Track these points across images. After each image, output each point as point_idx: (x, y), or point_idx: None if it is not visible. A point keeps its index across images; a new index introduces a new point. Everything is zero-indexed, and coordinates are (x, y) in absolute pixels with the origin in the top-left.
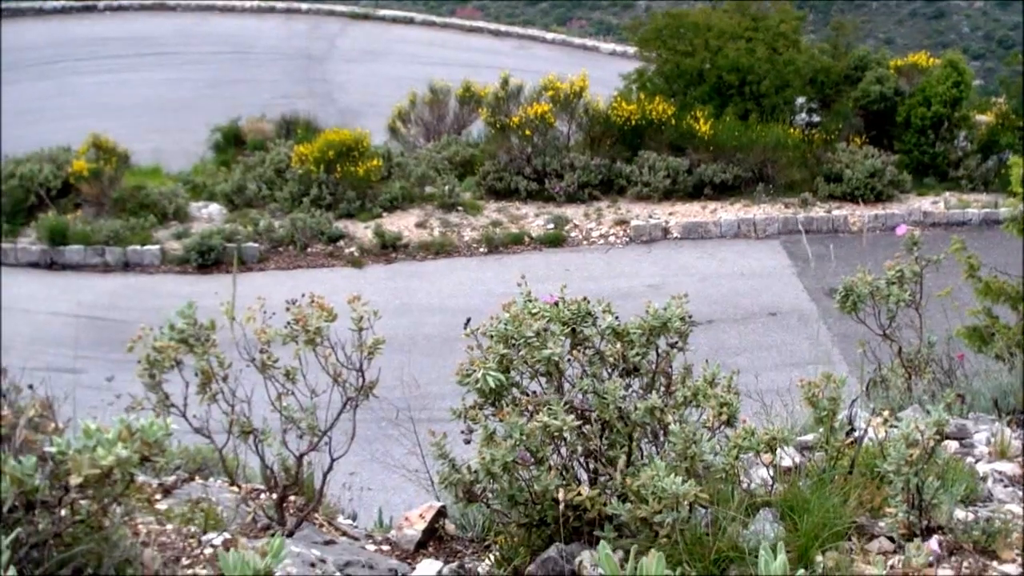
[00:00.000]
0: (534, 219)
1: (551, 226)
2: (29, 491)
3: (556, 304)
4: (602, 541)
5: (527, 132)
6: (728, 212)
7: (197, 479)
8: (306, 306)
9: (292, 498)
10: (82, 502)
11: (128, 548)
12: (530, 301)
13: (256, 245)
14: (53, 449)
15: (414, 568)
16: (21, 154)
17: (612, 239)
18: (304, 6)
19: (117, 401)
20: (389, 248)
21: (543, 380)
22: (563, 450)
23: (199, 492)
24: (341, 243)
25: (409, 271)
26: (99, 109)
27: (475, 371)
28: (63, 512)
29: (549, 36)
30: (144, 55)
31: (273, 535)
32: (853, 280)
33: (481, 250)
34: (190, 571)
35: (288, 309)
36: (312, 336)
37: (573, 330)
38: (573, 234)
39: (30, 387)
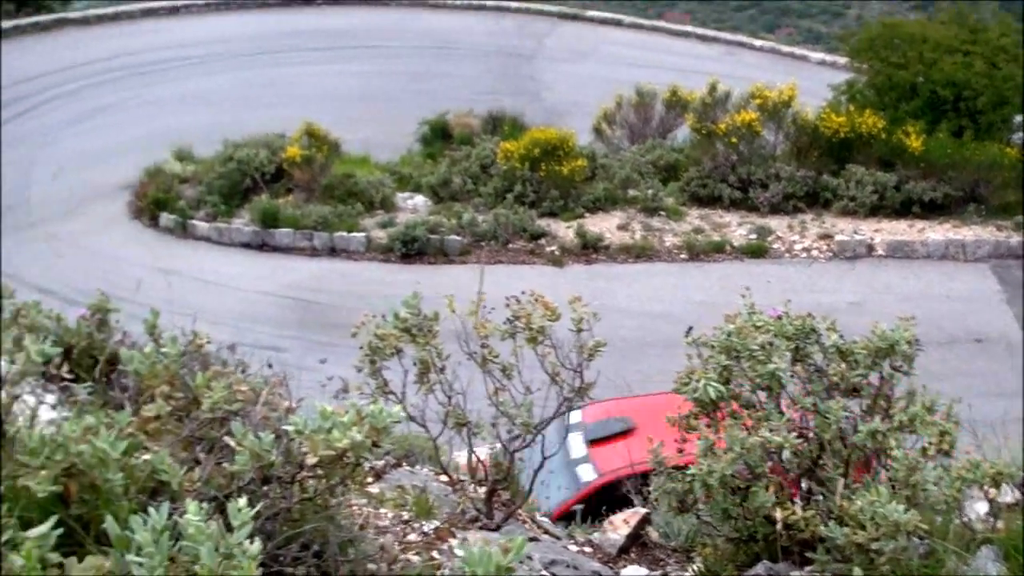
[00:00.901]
0: (736, 228)
1: (753, 236)
2: (266, 466)
3: (780, 318)
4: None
5: (733, 140)
6: (936, 232)
7: (404, 465)
8: (527, 302)
9: (499, 492)
10: (310, 481)
11: (350, 528)
12: (754, 313)
13: (459, 238)
14: (290, 428)
15: (618, 572)
16: (239, 138)
17: (815, 253)
18: (513, 4)
19: (329, 383)
20: (590, 249)
21: (762, 394)
22: (780, 467)
23: (408, 479)
24: (542, 241)
25: (608, 273)
26: (313, 98)
27: (695, 380)
28: (294, 489)
29: (757, 43)
30: (359, 47)
31: (481, 527)
32: None
33: (682, 256)
34: (415, 557)
35: (508, 305)
36: (535, 334)
37: (796, 346)
38: (776, 245)
39: (269, 365)
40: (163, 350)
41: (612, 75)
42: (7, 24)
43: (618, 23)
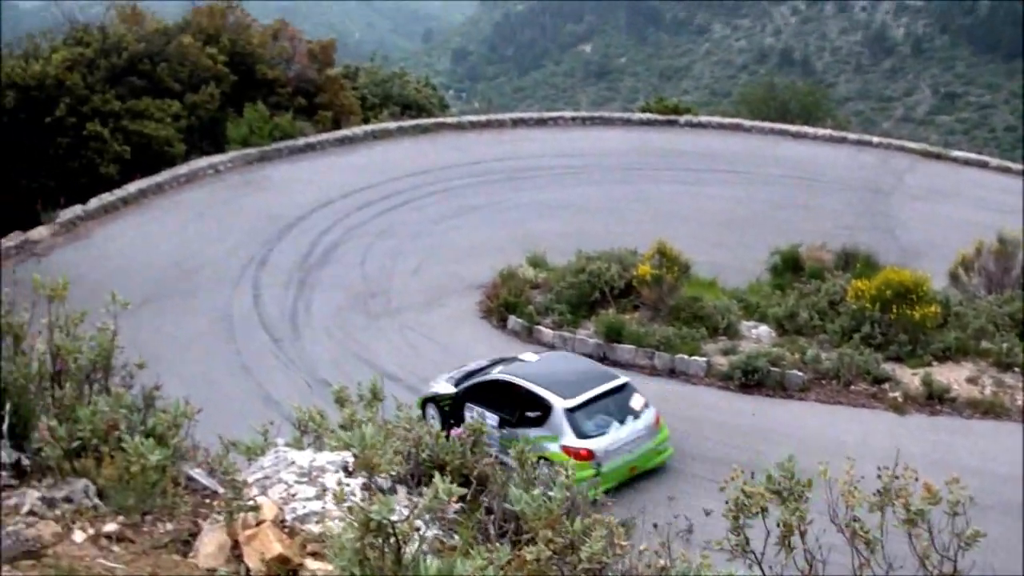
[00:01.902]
0: None
1: None
2: None
3: None
4: None
5: None
6: None
7: None
8: (903, 476)
9: None
10: None
11: None
12: None
13: (800, 374)
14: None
15: None
16: (592, 251)
17: None
18: (875, 139)
19: (675, 521)
20: (935, 399)
21: None
22: None
23: None
24: (885, 385)
25: (952, 426)
26: (667, 217)
27: None
28: None
29: None
30: (716, 171)
31: None
32: None
33: None
34: None
35: (879, 476)
36: (912, 516)
37: None
38: None
39: (654, 525)
40: (550, 494)
41: (973, 218)
42: (392, 126)
43: (983, 164)
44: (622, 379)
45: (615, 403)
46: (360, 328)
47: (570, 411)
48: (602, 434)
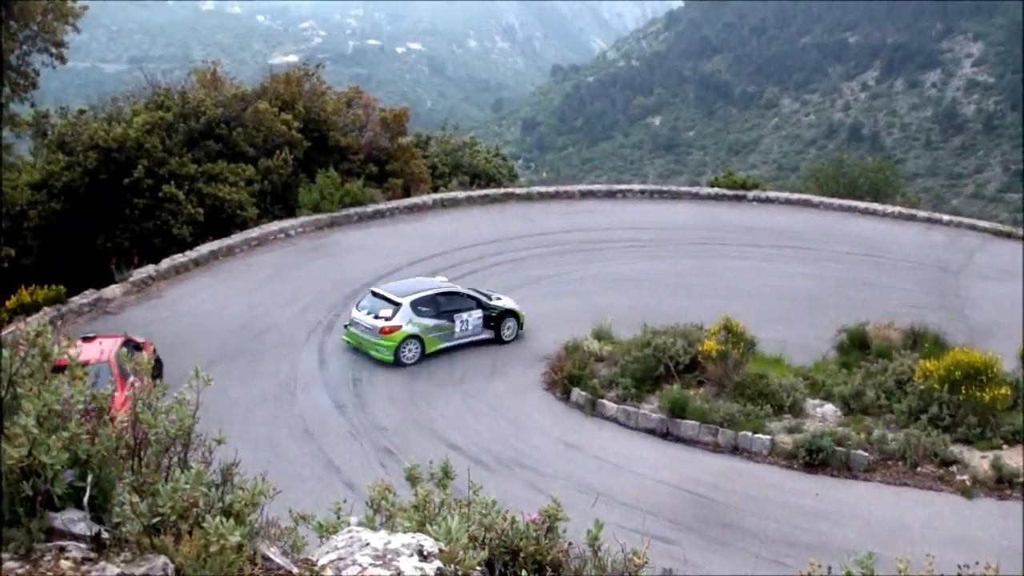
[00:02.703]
0: None
1: None
2: None
3: None
4: None
5: None
6: None
7: None
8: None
9: None
10: None
11: None
12: None
13: (866, 454)
14: None
15: None
16: (658, 325)
17: None
18: (945, 217)
19: None
20: (1005, 483)
21: None
22: None
23: None
24: (953, 468)
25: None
26: (734, 292)
27: None
28: None
29: None
30: (784, 247)
31: None
32: None
33: None
34: None
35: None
36: None
37: None
38: None
39: None
40: None
41: None
42: (461, 194)
43: None
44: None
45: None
46: (423, 396)
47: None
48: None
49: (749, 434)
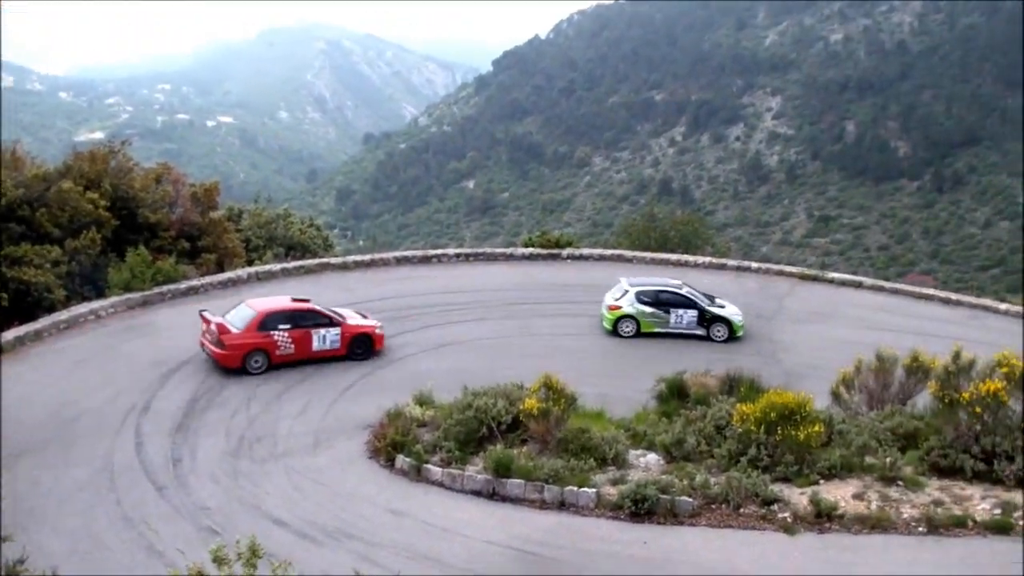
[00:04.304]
0: (980, 502)
1: (998, 511)
2: None
3: None
4: None
5: (977, 409)
6: None
7: None
8: None
9: None
10: None
11: None
12: None
13: (690, 500)
14: None
15: None
16: (479, 387)
17: None
18: (754, 264)
19: None
20: (824, 517)
21: None
22: None
23: None
24: (775, 507)
25: (842, 544)
26: (553, 350)
27: None
28: None
29: (1002, 307)
30: (599, 302)
31: None
32: None
33: (920, 529)
34: None
35: None
36: None
37: None
38: (1023, 523)
39: None
40: None
41: (851, 337)
42: (276, 267)
43: (858, 285)
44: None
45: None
46: (247, 474)
47: None
48: None
49: (575, 488)
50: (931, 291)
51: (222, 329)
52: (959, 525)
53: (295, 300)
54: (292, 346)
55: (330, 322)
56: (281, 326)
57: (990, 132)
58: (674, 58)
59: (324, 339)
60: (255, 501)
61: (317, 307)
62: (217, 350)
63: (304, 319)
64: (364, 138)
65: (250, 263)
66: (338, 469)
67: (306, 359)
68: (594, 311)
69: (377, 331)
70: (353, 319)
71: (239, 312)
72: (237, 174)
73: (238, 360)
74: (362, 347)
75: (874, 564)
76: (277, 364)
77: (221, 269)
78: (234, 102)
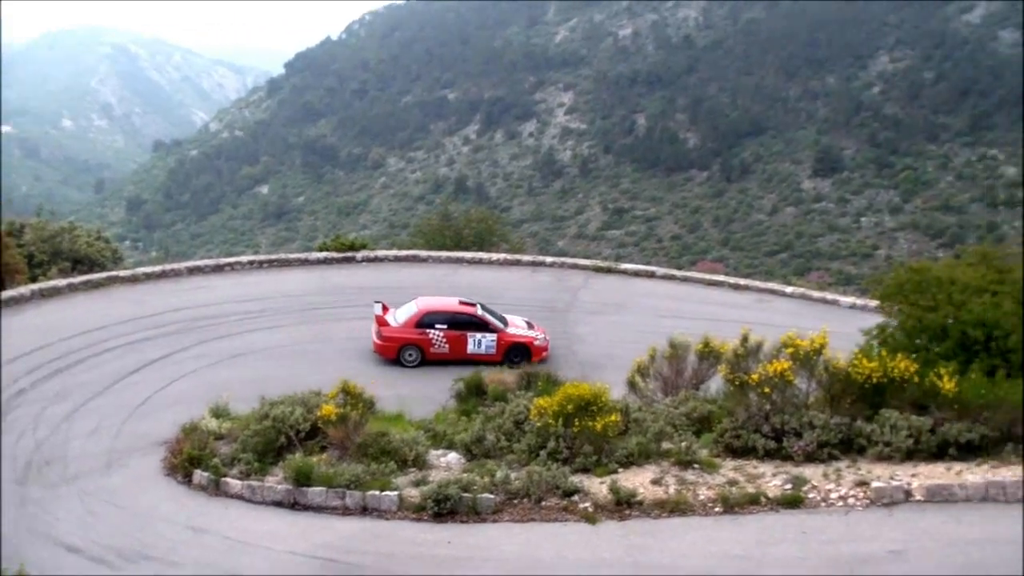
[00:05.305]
0: (771, 479)
1: (788, 487)
2: None
3: None
4: None
5: (766, 390)
6: (975, 474)
7: None
8: None
9: None
10: None
11: None
12: None
13: (492, 496)
14: None
15: None
16: (276, 396)
17: (851, 501)
18: (549, 259)
19: None
20: (623, 504)
21: None
22: None
23: None
24: (576, 497)
25: (643, 529)
26: (351, 353)
27: None
28: None
29: (788, 289)
30: (397, 304)
31: None
32: None
33: (716, 509)
34: None
35: None
36: None
37: None
38: (811, 495)
39: None
40: None
41: (646, 326)
42: (62, 282)
43: (651, 274)
44: None
45: None
46: (36, 502)
47: None
48: None
49: (377, 493)
50: (721, 277)
51: (381, 322)
52: (753, 502)
53: (462, 303)
54: (447, 346)
55: (487, 328)
56: (438, 325)
57: (774, 122)
58: (467, 57)
59: (479, 344)
60: (46, 528)
61: (480, 312)
62: (376, 340)
63: (463, 322)
64: (154, 145)
65: (34, 280)
66: (134, 488)
67: (460, 360)
68: None
69: (537, 342)
70: (515, 328)
71: (406, 307)
72: (19, 187)
73: (393, 352)
74: (519, 356)
75: (674, 546)
76: (432, 361)
77: (2, 287)
78: (13, 109)
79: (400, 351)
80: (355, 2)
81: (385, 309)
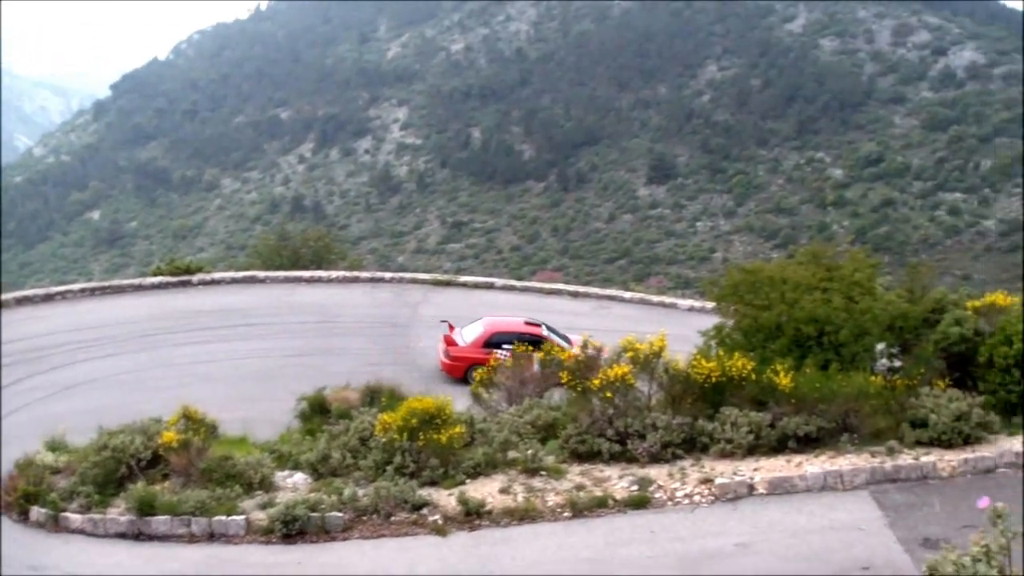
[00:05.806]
0: (617, 481)
1: (635, 488)
2: None
3: None
4: None
5: (608, 394)
6: (814, 465)
7: None
8: None
9: None
10: None
11: None
12: None
13: (340, 515)
14: None
15: None
16: (114, 425)
17: (697, 498)
18: (388, 275)
19: None
20: (473, 515)
21: None
22: None
23: None
24: (425, 511)
25: (493, 538)
26: (191, 379)
27: None
28: None
29: (627, 295)
30: (236, 326)
31: None
32: (937, 560)
33: (565, 514)
34: None
35: None
36: None
37: None
38: (658, 495)
39: None
40: None
41: None
42: None
43: (490, 286)
44: None
45: None
46: None
47: None
48: None
49: (223, 518)
50: (560, 286)
51: (449, 341)
52: (601, 505)
53: (528, 323)
54: None
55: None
56: (505, 345)
57: (608, 131)
58: (299, 75)
59: None
60: None
61: (545, 332)
62: (444, 360)
63: (529, 342)
64: None
65: None
66: None
67: None
68: (229, 335)
69: None
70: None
71: (473, 327)
72: None
73: (460, 371)
74: None
75: (525, 553)
76: None
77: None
78: None
79: (467, 371)
80: (197, 17)
81: (451, 328)
